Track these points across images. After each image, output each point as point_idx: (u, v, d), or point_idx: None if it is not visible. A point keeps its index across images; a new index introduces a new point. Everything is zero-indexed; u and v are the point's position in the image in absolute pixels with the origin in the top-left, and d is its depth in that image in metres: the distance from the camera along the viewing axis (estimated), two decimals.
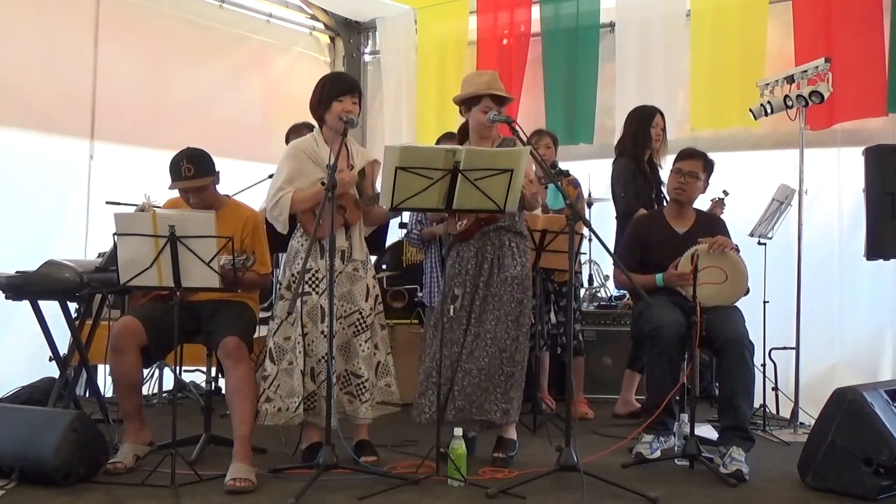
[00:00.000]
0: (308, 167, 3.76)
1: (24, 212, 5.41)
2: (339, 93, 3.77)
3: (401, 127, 7.21)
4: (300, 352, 3.67)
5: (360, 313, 3.76)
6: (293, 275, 3.77)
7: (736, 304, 4.01)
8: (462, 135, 4.03)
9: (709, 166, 4.23)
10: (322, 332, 3.67)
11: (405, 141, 6.84)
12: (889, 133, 5.33)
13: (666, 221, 4.27)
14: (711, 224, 4.23)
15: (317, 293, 3.72)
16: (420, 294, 5.07)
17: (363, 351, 3.74)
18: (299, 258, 3.74)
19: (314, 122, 3.93)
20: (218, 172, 3.89)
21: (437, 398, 3.66)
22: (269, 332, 3.81)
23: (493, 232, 3.83)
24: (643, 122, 4.99)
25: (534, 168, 3.86)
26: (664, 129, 5.07)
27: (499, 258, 3.81)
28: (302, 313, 3.68)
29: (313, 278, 3.74)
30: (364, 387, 3.74)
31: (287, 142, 5.41)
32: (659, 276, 4.07)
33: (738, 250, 4.03)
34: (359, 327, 3.76)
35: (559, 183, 3.74)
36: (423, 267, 4.98)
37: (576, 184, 5.30)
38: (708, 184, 4.30)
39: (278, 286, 3.85)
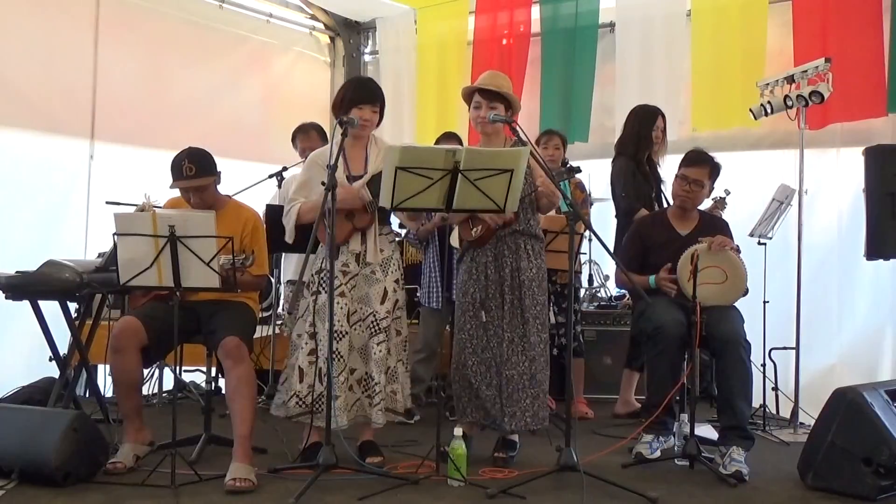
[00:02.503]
0: (319, 176, 3.74)
1: (24, 212, 5.41)
2: (359, 100, 3.77)
3: (401, 127, 7.20)
4: (302, 348, 3.70)
5: (374, 315, 3.75)
6: (312, 275, 3.81)
7: (734, 303, 4.02)
8: None
9: (715, 172, 4.21)
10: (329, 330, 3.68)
11: (405, 141, 6.84)
12: (889, 133, 5.33)
13: (669, 223, 4.27)
14: (714, 226, 4.22)
15: (326, 292, 3.72)
16: (419, 294, 5.07)
17: (375, 354, 3.73)
18: (319, 259, 3.79)
19: (320, 123, 3.95)
20: (219, 173, 3.89)
21: (440, 398, 3.66)
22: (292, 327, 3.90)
23: (508, 236, 3.81)
24: (645, 124, 4.99)
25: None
26: (664, 131, 5.08)
27: (517, 262, 3.80)
28: (313, 311, 3.71)
29: (326, 278, 3.74)
30: (375, 390, 3.73)
31: (293, 141, 5.43)
32: (651, 277, 4.08)
33: (738, 251, 4.03)
34: (373, 330, 3.75)
35: (566, 183, 3.75)
36: (422, 267, 4.98)
37: (582, 188, 5.31)
38: (713, 188, 4.29)
39: (279, 286, 3.86)
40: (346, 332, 3.70)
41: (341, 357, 3.67)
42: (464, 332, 3.80)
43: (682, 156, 4.31)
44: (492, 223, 3.74)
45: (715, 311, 3.85)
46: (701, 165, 4.16)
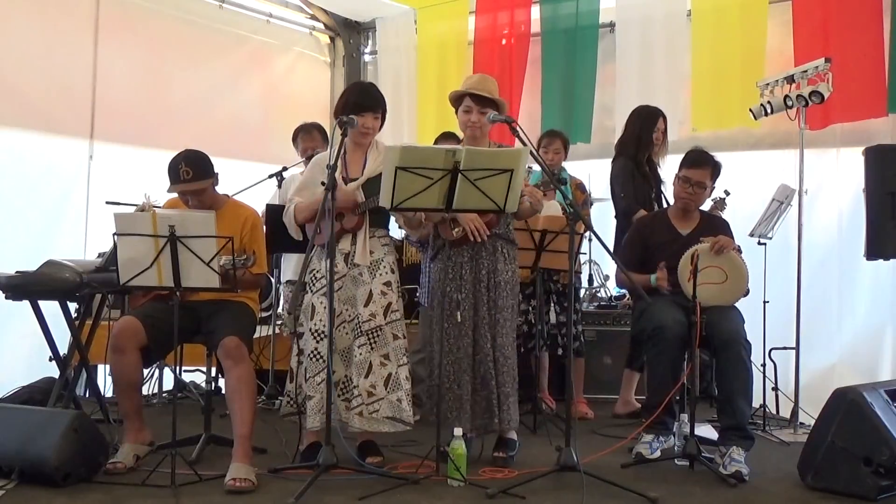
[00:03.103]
0: (320, 177, 3.71)
1: (24, 212, 5.42)
2: (361, 108, 3.77)
3: (401, 127, 7.21)
4: (292, 349, 3.72)
5: (358, 318, 3.75)
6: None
7: (735, 303, 4.01)
8: None
9: (716, 172, 4.19)
10: (310, 329, 3.71)
11: (406, 141, 6.84)
12: (889, 133, 5.33)
13: (670, 223, 4.26)
14: (715, 225, 4.21)
15: (311, 291, 3.76)
16: (419, 294, 5.07)
17: (356, 357, 3.72)
18: (312, 258, 3.79)
19: (321, 124, 3.97)
20: (217, 174, 3.89)
21: (438, 400, 3.66)
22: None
23: (487, 238, 3.81)
24: (646, 125, 5.00)
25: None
26: (665, 132, 5.08)
27: (493, 263, 3.81)
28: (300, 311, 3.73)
29: (312, 277, 3.78)
30: (353, 394, 3.71)
31: (294, 141, 5.43)
32: (653, 276, 4.08)
33: (740, 251, 4.03)
34: (356, 333, 3.74)
35: (563, 187, 3.75)
36: (422, 267, 4.98)
37: (583, 188, 5.31)
38: (714, 187, 4.29)
39: (279, 286, 3.87)
40: (338, 336, 3.69)
41: (321, 358, 3.66)
42: (442, 331, 3.78)
43: (682, 156, 4.31)
44: (470, 236, 3.73)
45: (715, 310, 3.85)
46: (703, 167, 4.16)
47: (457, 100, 3.88)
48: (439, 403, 3.67)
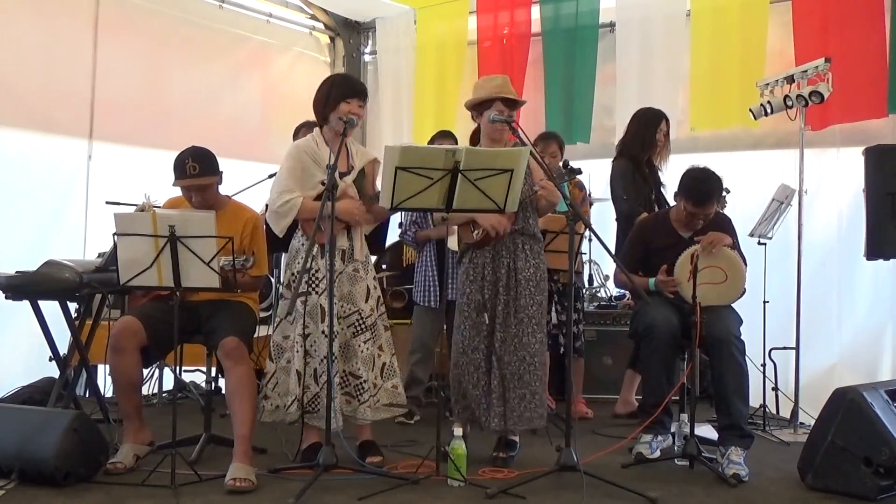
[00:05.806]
0: (310, 168, 3.74)
1: (24, 212, 5.40)
2: (347, 94, 3.77)
3: (400, 127, 7.20)
4: (298, 351, 3.67)
5: (360, 314, 3.75)
6: (293, 274, 3.79)
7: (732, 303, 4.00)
8: (473, 140, 4.06)
9: (719, 195, 4.11)
10: (322, 332, 3.66)
11: (404, 141, 6.84)
12: (889, 133, 5.32)
13: (671, 226, 4.22)
14: (717, 225, 4.12)
15: (316, 293, 3.72)
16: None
17: (362, 352, 3.73)
18: (300, 258, 3.74)
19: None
20: (221, 173, 3.89)
21: (440, 398, 3.66)
22: (272, 330, 3.84)
23: (507, 236, 3.82)
24: (650, 126, 4.99)
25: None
26: (667, 134, 5.07)
27: (514, 261, 3.81)
28: (304, 313, 3.68)
29: (313, 278, 3.74)
30: (363, 388, 3.72)
31: (296, 135, 5.40)
32: (651, 280, 4.07)
33: (734, 246, 4.00)
34: (357, 328, 3.75)
35: (566, 184, 3.74)
36: (416, 266, 4.98)
37: (581, 186, 5.30)
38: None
39: (279, 285, 3.85)
40: (338, 333, 3.68)
41: (336, 358, 3.66)
42: (459, 332, 3.82)
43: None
44: (492, 233, 3.74)
45: (710, 311, 3.82)
46: (708, 204, 4.04)
47: (482, 103, 3.86)
48: (439, 402, 3.67)
